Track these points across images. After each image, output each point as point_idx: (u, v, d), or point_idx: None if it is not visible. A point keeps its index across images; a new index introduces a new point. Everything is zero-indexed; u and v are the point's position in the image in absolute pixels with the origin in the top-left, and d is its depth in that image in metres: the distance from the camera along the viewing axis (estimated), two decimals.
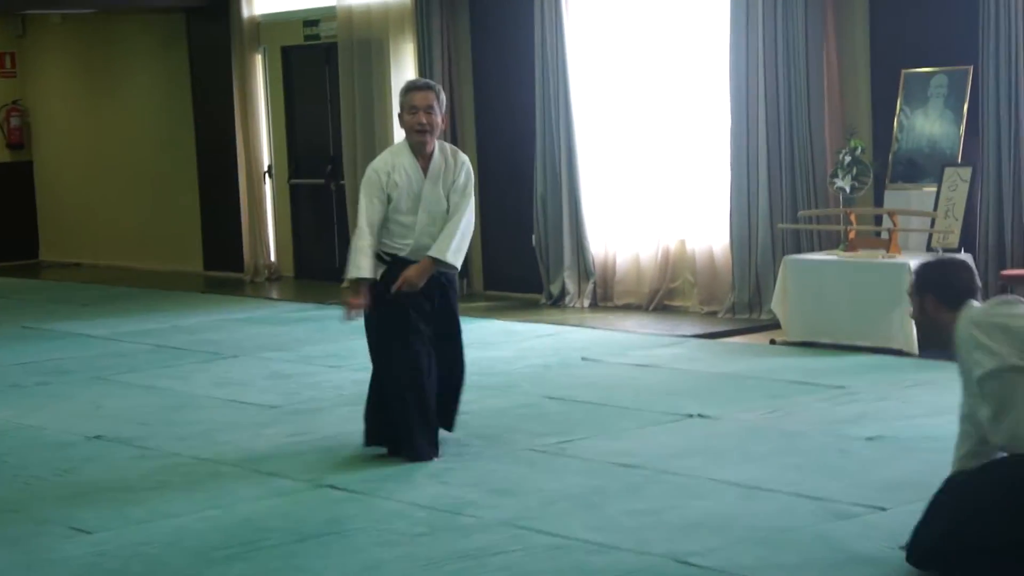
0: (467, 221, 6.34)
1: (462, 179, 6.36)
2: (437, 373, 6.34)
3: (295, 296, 12.62)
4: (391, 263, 6.32)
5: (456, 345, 6.48)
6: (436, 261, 6.26)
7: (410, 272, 6.25)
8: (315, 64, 13.37)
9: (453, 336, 6.46)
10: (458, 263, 6.31)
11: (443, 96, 6.40)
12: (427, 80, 6.93)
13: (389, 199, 6.27)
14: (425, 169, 6.32)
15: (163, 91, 14.90)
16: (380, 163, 6.38)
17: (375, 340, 6.35)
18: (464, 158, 6.43)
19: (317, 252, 13.51)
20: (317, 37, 13.32)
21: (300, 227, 13.75)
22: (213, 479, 6.15)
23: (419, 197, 6.30)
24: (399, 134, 12.21)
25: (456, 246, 6.28)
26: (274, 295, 12.82)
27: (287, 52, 13.65)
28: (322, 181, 13.27)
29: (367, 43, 12.50)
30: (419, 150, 6.33)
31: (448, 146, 6.44)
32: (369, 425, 6.47)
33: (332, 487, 5.92)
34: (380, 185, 6.27)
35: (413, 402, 6.23)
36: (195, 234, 14.63)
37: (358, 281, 6.26)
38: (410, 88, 6.40)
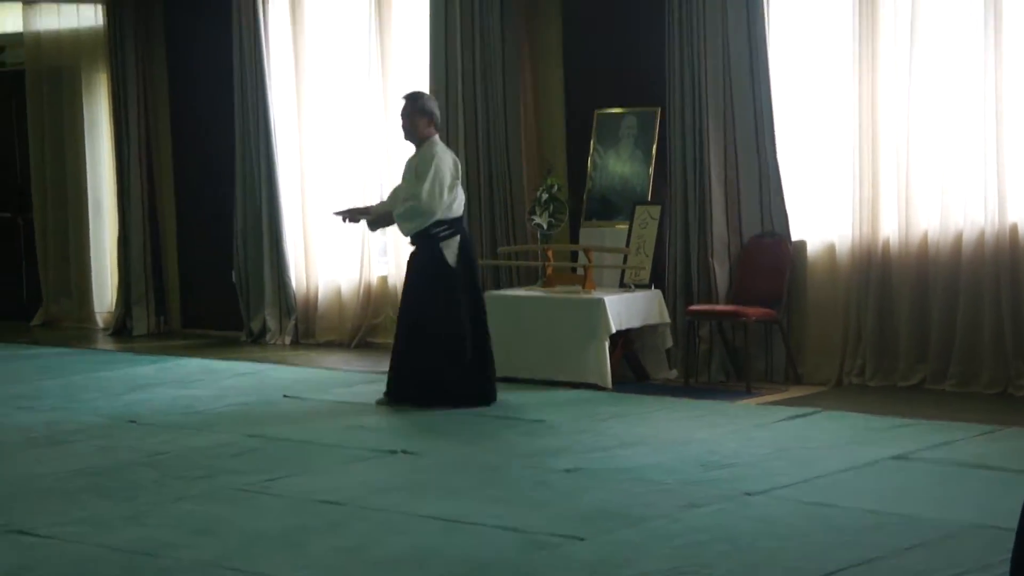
0: None
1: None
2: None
3: None
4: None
5: None
6: None
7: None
8: (0, 92, 12.82)
9: None
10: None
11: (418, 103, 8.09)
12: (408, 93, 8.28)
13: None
14: None
15: None
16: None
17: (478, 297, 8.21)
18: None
19: (2, 289, 12.91)
20: (2, 64, 12.79)
21: None
22: None
23: None
24: (93, 162, 12.02)
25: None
26: None
27: None
28: (9, 215, 12.72)
29: (58, 71, 12.09)
30: None
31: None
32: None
33: (20, 532, 5.65)
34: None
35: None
36: None
37: None
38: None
